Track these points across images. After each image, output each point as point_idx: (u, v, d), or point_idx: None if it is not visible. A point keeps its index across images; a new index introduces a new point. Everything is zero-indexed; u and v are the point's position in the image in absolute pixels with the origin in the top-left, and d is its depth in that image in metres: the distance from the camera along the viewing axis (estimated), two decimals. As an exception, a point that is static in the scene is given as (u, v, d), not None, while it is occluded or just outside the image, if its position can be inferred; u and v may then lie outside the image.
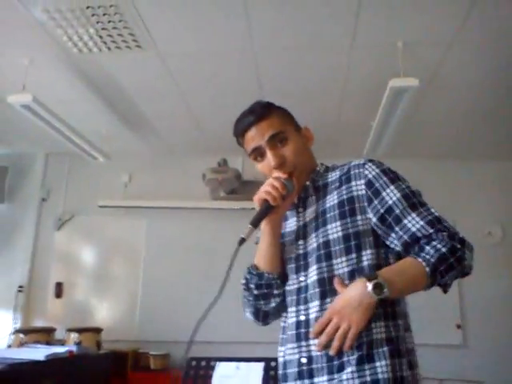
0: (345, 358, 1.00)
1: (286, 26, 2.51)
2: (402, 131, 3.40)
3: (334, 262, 1.08)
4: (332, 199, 1.15)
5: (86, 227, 4.40)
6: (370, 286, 0.96)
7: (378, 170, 1.12)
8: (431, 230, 1.03)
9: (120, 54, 2.76)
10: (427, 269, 0.97)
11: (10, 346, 3.29)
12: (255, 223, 1.13)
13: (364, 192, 1.10)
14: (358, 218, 1.09)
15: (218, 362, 1.95)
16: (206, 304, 1.19)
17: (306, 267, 1.13)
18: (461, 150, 4.27)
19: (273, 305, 1.21)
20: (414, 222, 1.04)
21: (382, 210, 1.08)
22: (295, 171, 1.18)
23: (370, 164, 1.13)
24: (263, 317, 1.26)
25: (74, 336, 3.39)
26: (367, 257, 1.06)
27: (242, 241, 1.11)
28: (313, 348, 1.05)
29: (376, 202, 1.09)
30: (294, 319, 1.13)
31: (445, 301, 4.09)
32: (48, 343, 3.26)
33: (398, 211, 1.06)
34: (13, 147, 4.42)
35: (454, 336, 4.06)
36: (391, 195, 1.08)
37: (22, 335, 3.24)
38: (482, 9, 2.32)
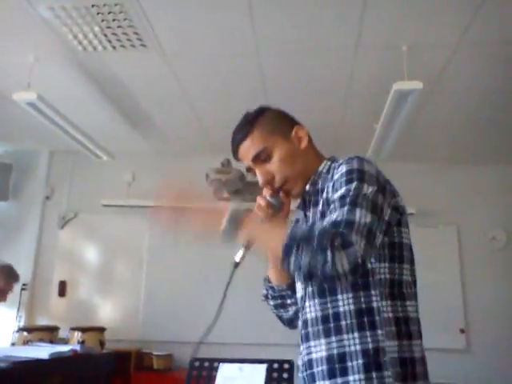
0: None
1: (291, 27, 2.49)
2: (405, 134, 3.38)
3: None
4: (320, 205, 1.12)
5: (89, 226, 4.40)
6: None
7: (344, 170, 1.04)
8: (325, 225, 0.96)
9: (125, 52, 2.75)
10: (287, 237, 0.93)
11: (13, 344, 3.30)
12: (247, 246, 1.11)
13: (330, 195, 1.06)
14: None
15: (221, 363, 1.94)
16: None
17: None
18: (464, 154, 4.24)
19: (291, 312, 1.25)
20: (328, 218, 0.98)
21: (331, 207, 1.03)
22: (287, 183, 1.15)
23: (343, 164, 1.06)
24: (288, 322, 1.31)
25: (77, 335, 3.39)
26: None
27: (237, 265, 1.12)
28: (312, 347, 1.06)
29: (331, 201, 1.05)
30: (299, 322, 1.16)
31: (448, 305, 4.09)
32: (52, 342, 3.27)
33: (331, 207, 1.01)
34: (17, 145, 4.43)
35: (458, 340, 4.05)
36: (338, 193, 1.01)
37: (25, 333, 3.25)
38: (486, 14, 2.31)
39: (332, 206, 1.00)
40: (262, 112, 1.20)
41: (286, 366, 1.74)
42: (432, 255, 4.20)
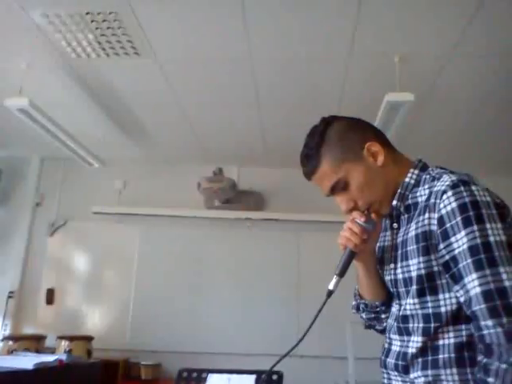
0: None
1: (284, 36, 2.52)
2: (397, 145, 3.40)
3: (408, 301, 1.01)
4: (413, 228, 1.01)
5: (79, 233, 4.36)
6: None
7: (454, 205, 0.91)
8: (482, 310, 0.84)
9: (118, 60, 2.75)
10: None
11: (-2, 354, 3.24)
12: (341, 273, 1.07)
13: (435, 228, 0.94)
14: (432, 257, 0.96)
15: (209, 374, 1.92)
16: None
17: (399, 296, 1.07)
18: (455, 164, 4.26)
19: (385, 325, 1.18)
20: (472, 286, 0.86)
21: (447, 257, 0.92)
22: (372, 206, 1.07)
23: (449, 193, 0.93)
24: (381, 332, 1.23)
25: (64, 344, 3.34)
26: (444, 302, 0.95)
27: (330, 293, 1.06)
28: (392, 377, 1.04)
29: (442, 246, 0.93)
30: (385, 345, 1.11)
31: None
32: (38, 351, 3.21)
33: (461, 265, 0.89)
34: (8, 150, 4.40)
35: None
36: (460, 243, 0.89)
37: (11, 342, 3.19)
38: (478, 25, 2.35)
39: (462, 264, 0.89)
40: (325, 133, 1.09)
41: (275, 376, 1.73)
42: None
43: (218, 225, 4.29)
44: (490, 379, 0.80)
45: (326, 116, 1.14)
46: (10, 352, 3.08)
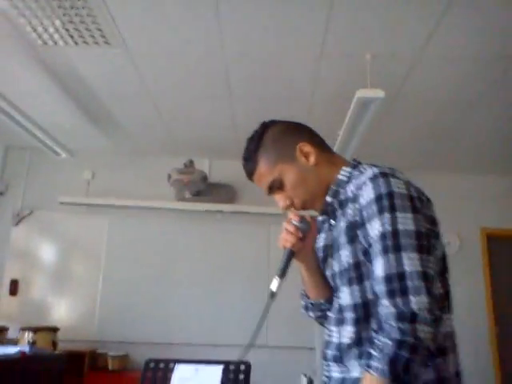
0: None
1: (256, 31, 2.53)
2: (368, 141, 3.48)
3: (341, 293, 1.06)
4: (343, 221, 1.07)
5: (45, 223, 4.28)
6: None
7: (372, 195, 0.98)
8: (382, 290, 0.92)
9: (87, 48, 2.70)
10: (386, 380, 0.87)
11: (-42, 346, 3.15)
12: (282, 274, 1.09)
13: (358, 218, 1.01)
14: (358, 246, 1.02)
15: (176, 364, 1.94)
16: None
17: (336, 289, 1.11)
18: (420, 161, 4.40)
19: None
20: (377, 269, 0.94)
21: (365, 245, 0.99)
22: (306, 204, 1.13)
23: (368, 185, 0.99)
24: None
25: (28, 335, 3.28)
26: (370, 289, 1.00)
27: (273, 295, 1.08)
28: (332, 368, 1.06)
29: (361, 234, 1.00)
30: (326, 337, 1.14)
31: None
32: (-1, 343, 3.15)
33: (373, 250, 0.96)
34: (-30, 138, 4.26)
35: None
36: (374, 230, 0.96)
37: (-29, 334, 3.12)
38: (448, 24, 2.41)
39: (373, 249, 0.96)
40: (262, 137, 1.15)
41: (243, 367, 1.76)
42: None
43: (188, 217, 4.29)
44: (374, 352, 0.88)
45: (265, 121, 1.19)
46: (-29, 344, 3.01)
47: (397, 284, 0.90)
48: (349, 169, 1.12)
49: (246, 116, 3.47)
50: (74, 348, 3.65)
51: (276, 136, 1.15)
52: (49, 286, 4.14)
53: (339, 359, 1.03)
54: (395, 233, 0.93)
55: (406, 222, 0.94)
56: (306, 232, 1.11)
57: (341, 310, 1.06)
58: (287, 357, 4.01)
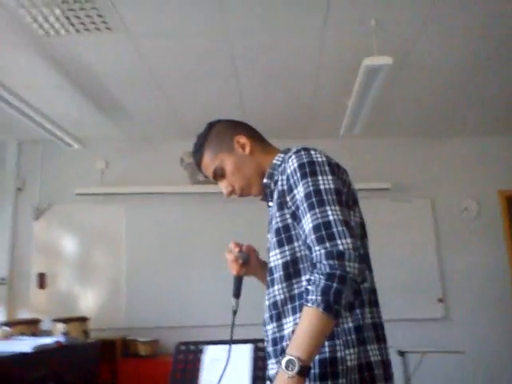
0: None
1: (260, 5, 2.44)
2: (377, 110, 3.41)
3: (271, 254, 1.18)
4: (276, 193, 1.21)
5: (64, 216, 4.32)
6: (284, 371, 0.94)
7: (296, 165, 1.12)
8: (312, 239, 1.03)
9: (89, 36, 2.65)
10: (320, 309, 0.95)
11: (-6, 340, 3.25)
12: (236, 295, 1.29)
13: (285, 187, 1.14)
14: (286, 211, 1.15)
15: (206, 346, 1.96)
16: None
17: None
18: (436, 127, 4.31)
19: None
20: (307, 223, 1.05)
21: (293, 208, 1.12)
22: (244, 189, 1.30)
23: (292, 157, 1.14)
24: None
25: (60, 326, 3.36)
26: (299, 248, 1.12)
27: (235, 313, 1.27)
28: (269, 330, 1.17)
29: (288, 199, 1.13)
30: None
31: (426, 276, 4.21)
32: (34, 335, 3.23)
33: (300, 210, 1.09)
34: (-18, 137, 4.28)
35: (436, 310, 4.17)
36: (300, 193, 1.09)
37: (7, 328, 3.20)
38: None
39: (300, 209, 1.09)
40: (208, 133, 1.33)
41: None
42: (408, 228, 4.29)
43: (203, 199, 4.28)
44: (310, 287, 0.98)
45: (211, 121, 1.37)
46: (7, 337, 3.09)
47: (324, 231, 1.02)
48: (282, 154, 1.26)
49: (252, 93, 3.38)
50: (104, 336, 3.73)
51: (218, 131, 1.32)
52: (74, 277, 4.21)
53: (275, 317, 1.14)
54: (318, 191, 1.07)
55: (327, 182, 1.09)
56: (245, 259, 1.31)
57: (271, 271, 1.17)
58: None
